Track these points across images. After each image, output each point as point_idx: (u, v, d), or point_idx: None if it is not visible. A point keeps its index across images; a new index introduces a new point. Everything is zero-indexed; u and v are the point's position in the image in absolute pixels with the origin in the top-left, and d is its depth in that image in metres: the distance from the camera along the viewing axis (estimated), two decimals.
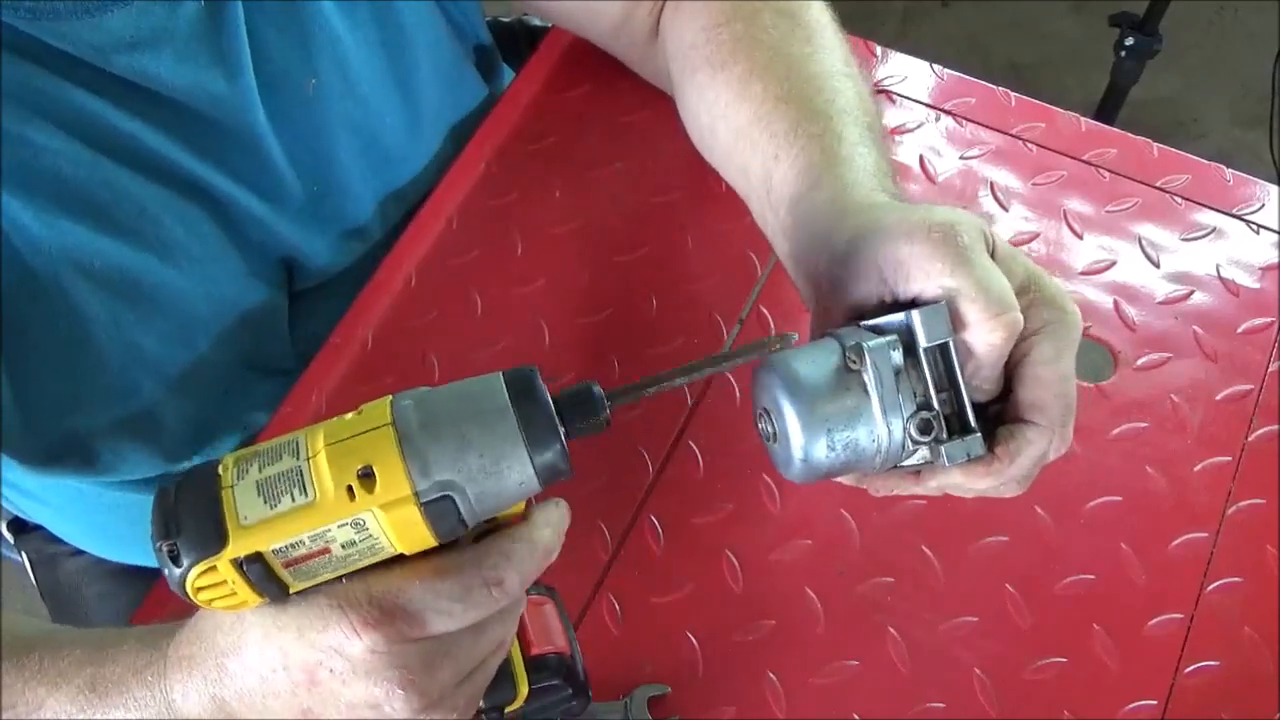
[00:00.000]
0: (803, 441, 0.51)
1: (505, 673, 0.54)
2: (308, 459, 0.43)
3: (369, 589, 0.45)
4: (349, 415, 0.44)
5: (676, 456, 0.75)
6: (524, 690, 0.55)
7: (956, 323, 0.51)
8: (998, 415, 0.54)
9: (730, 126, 0.69)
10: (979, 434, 0.51)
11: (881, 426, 0.50)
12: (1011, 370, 0.53)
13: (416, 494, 0.42)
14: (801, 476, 0.52)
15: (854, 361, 0.50)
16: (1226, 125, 2.13)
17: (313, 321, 0.81)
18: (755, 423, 0.55)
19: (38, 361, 0.67)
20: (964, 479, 0.53)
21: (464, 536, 0.46)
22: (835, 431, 0.50)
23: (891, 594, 0.70)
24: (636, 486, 0.74)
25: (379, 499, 0.42)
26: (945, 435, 0.51)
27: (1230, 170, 0.86)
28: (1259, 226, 0.84)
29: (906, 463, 0.53)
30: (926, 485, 0.55)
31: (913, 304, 0.52)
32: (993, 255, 0.52)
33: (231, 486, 0.43)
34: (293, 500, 0.42)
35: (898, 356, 0.50)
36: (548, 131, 0.89)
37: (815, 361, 0.51)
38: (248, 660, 0.47)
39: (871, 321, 0.53)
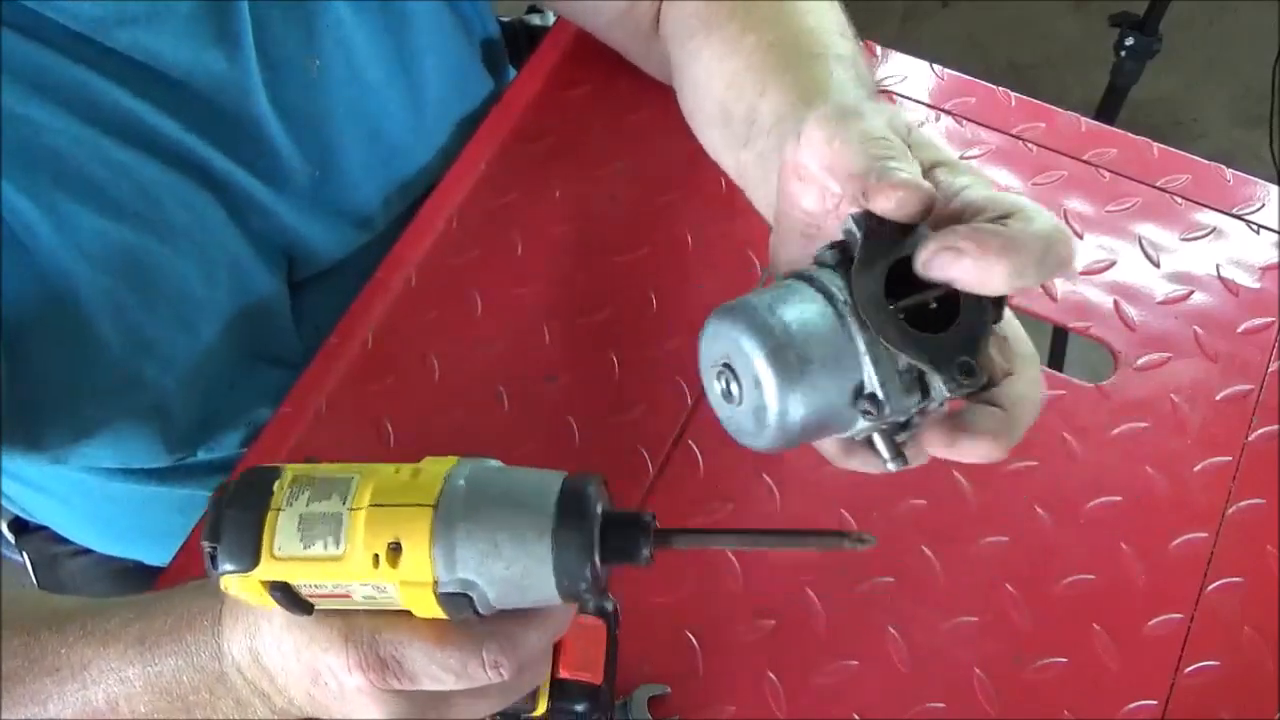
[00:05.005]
0: (778, 399, 0.44)
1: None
2: (350, 509, 0.43)
3: (375, 631, 0.46)
4: (407, 470, 0.45)
5: (676, 456, 0.75)
6: (543, 706, 0.55)
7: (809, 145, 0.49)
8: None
9: (723, 78, 0.67)
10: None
11: (871, 376, 0.45)
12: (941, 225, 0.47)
13: (436, 583, 0.43)
14: (773, 441, 0.46)
15: (842, 311, 0.45)
16: (1226, 125, 2.14)
17: (317, 311, 0.81)
18: (707, 382, 0.48)
19: (38, 348, 0.66)
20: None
21: None
22: (815, 384, 0.44)
23: (891, 594, 0.70)
24: (636, 486, 0.74)
25: (400, 575, 0.43)
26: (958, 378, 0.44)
27: (1230, 170, 0.86)
28: (1259, 226, 0.84)
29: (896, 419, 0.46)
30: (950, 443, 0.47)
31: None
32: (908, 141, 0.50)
33: (279, 510, 0.44)
34: (324, 548, 0.43)
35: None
36: (548, 131, 0.89)
37: (793, 307, 0.45)
38: (275, 633, 0.48)
39: (890, 341, 0.45)
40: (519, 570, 0.43)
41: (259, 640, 0.49)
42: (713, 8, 0.71)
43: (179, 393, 0.74)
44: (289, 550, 0.43)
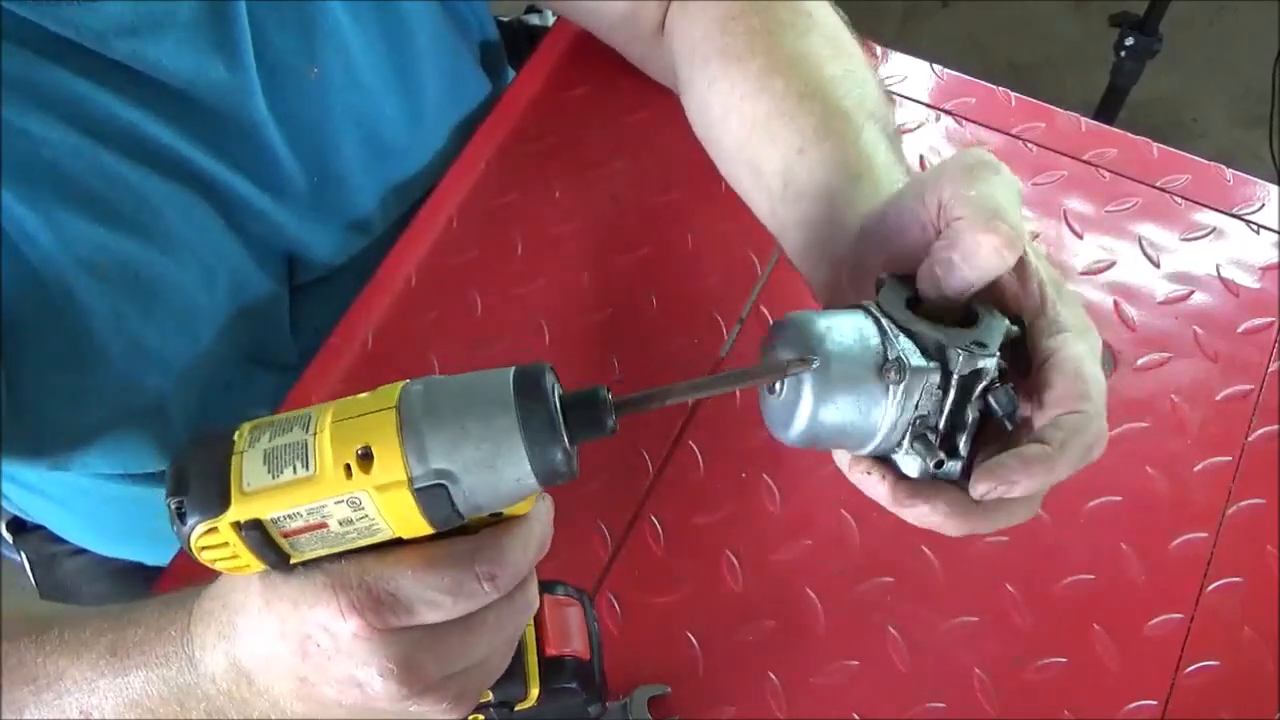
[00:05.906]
0: (810, 413, 0.49)
1: (517, 670, 0.54)
2: (314, 434, 0.44)
3: (363, 572, 0.45)
4: (364, 395, 0.45)
5: (676, 456, 0.75)
6: (535, 691, 0.55)
7: (957, 230, 0.51)
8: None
9: (746, 119, 0.68)
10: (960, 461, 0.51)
11: (886, 431, 0.50)
12: (1042, 365, 0.52)
13: (411, 479, 0.43)
14: (793, 442, 0.51)
15: (891, 375, 0.49)
16: (1226, 125, 2.14)
17: (314, 315, 0.81)
18: (764, 354, 0.53)
19: (38, 358, 0.66)
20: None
21: (468, 526, 0.46)
22: (844, 416, 0.49)
23: (891, 594, 0.70)
24: (636, 486, 0.74)
25: (374, 480, 0.43)
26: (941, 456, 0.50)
27: (1230, 170, 0.86)
28: (1259, 226, 0.84)
29: (896, 458, 0.52)
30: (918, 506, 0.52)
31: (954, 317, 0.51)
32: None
33: (242, 453, 0.44)
34: (294, 472, 0.43)
35: (934, 381, 0.50)
36: (548, 131, 0.89)
37: (851, 342, 0.50)
38: (253, 621, 0.47)
39: (906, 323, 0.51)
40: (489, 449, 0.43)
41: (236, 641, 0.48)
42: (728, 30, 0.71)
43: (177, 396, 0.74)
44: (258, 482, 0.43)
